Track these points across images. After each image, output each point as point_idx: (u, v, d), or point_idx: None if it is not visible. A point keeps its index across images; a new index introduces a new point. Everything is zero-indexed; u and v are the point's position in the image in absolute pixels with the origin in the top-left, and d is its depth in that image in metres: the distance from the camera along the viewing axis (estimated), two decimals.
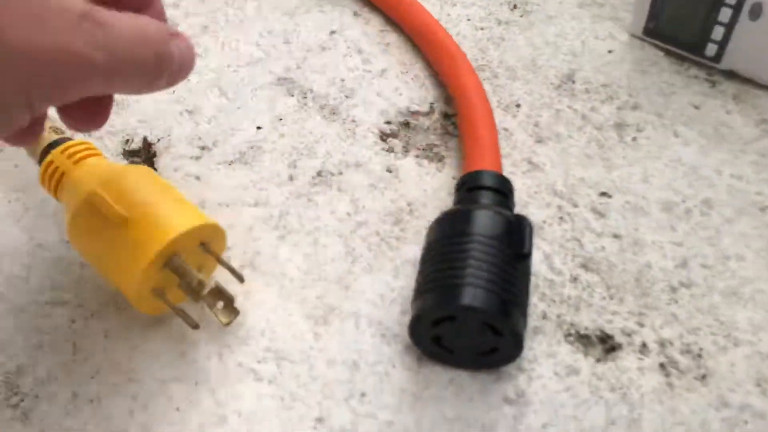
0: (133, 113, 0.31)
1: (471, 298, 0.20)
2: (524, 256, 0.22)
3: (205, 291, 0.21)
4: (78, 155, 0.24)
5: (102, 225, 0.22)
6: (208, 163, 0.29)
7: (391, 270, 0.26)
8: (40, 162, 0.24)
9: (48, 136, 0.24)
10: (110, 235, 0.22)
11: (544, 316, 0.25)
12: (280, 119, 0.31)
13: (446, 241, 0.22)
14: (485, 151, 0.26)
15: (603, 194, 0.28)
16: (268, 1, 0.36)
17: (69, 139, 0.25)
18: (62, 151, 0.24)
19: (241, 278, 0.23)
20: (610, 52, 0.34)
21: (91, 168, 0.23)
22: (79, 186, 0.23)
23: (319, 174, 0.29)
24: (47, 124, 0.25)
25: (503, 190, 0.24)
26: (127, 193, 0.22)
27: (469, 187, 0.24)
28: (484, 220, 0.22)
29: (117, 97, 0.32)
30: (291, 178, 0.29)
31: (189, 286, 0.21)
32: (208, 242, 0.23)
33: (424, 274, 0.22)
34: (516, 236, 0.22)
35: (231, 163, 0.29)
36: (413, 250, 0.26)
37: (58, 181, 0.23)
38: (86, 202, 0.22)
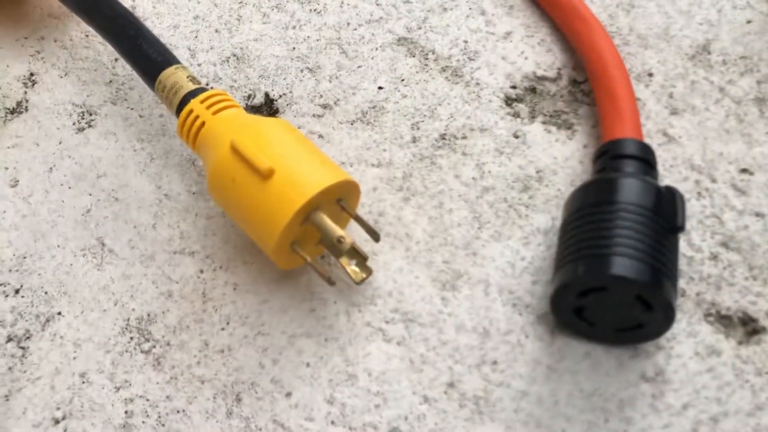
0: (254, 69, 0.31)
1: (627, 268, 0.19)
2: (679, 230, 0.21)
3: (347, 246, 0.21)
4: (217, 105, 0.23)
5: (245, 175, 0.22)
6: (330, 121, 0.29)
7: (520, 238, 0.25)
8: (177, 112, 0.24)
9: (186, 85, 0.24)
10: (252, 186, 0.21)
11: (683, 294, 0.24)
12: (402, 80, 0.30)
13: (595, 209, 0.21)
14: (627, 119, 0.25)
15: (744, 171, 0.27)
16: None
17: (206, 89, 0.25)
18: (201, 101, 0.24)
19: (377, 237, 0.22)
20: (749, 22, 0.32)
21: (231, 119, 0.23)
22: (221, 136, 0.23)
23: (442, 137, 0.28)
24: (185, 73, 0.25)
25: (649, 160, 0.23)
26: (269, 145, 0.22)
27: (613, 155, 0.23)
28: (635, 189, 0.21)
29: (237, 52, 0.32)
30: (414, 139, 0.28)
31: (329, 241, 0.21)
32: (344, 199, 0.23)
33: (569, 242, 0.21)
34: (668, 208, 0.21)
35: (353, 122, 0.29)
36: (544, 218, 0.25)
37: (197, 131, 0.23)
38: (231, 151, 0.22)
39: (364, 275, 0.22)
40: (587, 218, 0.21)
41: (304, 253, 0.22)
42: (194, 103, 0.24)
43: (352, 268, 0.22)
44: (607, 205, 0.21)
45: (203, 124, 0.23)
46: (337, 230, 0.21)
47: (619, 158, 0.23)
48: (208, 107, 0.24)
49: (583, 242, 0.21)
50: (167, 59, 0.25)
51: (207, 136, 0.23)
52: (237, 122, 0.23)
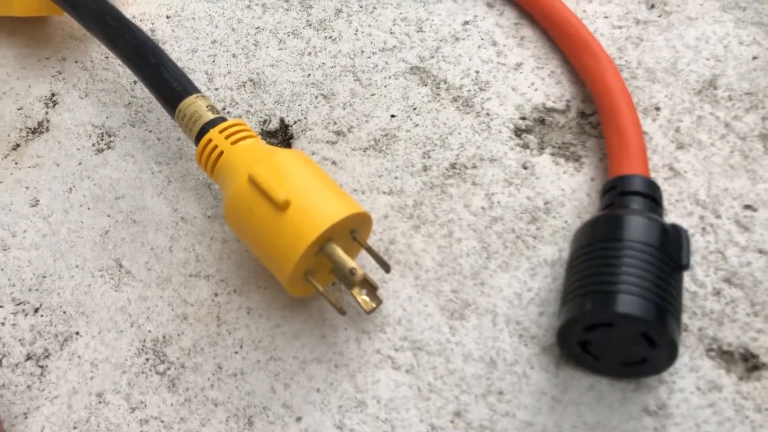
0: (270, 94, 0.31)
1: (633, 306, 0.20)
2: (684, 268, 0.21)
3: (358, 278, 0.21)
4: (236, 135, 0.24)
5: (261, 206, 0.22)
6: (343, 148, 0.30)
7: (528, 269, 0.26)
8: (196, 140, 0.25)
9: (206, 115, 0.25)
10: (268, 217, 0.22)
11: (686, 329, 0.24)
12: (414, 108, 0.31)
13: (603, 245, 0.22)
14: (634, 155, 0.25)
15: (747, 207, 0.27)
16: None
17: (225, 118, 0.25)
18: (221, 131, 0.24)
19: (387, 268, 0.23)
20: (754, 58, 0.33)
21: (248, 149, 0.24)
22: (239, 167, 0.23)
23: (453, 166, 0.29)
24: (204, 103, 0.26)
25: (656, 197, 0.24)
26: (285, 177, 0.23)
27: (620, 191, 0.24)
28: (642, 227, 0.22)
29: (254, 77, 0.32)
30: (425, 168, 0.29)
31: (341, 272, 0.22)
32: (356, 229, 0.23)
33: (577, 276, 0.22)
34: (674, 246, 0.22)
35: (365, 149, 0.30)
36: (551, 250, 0.26)
37: (216, 160, 0.24)
38: (248, 182, 0.22)
39: (374, 305, 0.23)
40: (595, 254, 0.22)
41: (317, 281, 0.23)
42: (213, 133, 0.24)
43: (363, 297, 0.23)
44: (614, 242, 0.22)
45: (221, 153, 0.24)
46: (349, 262, 0.22)
47: (626, 195, 0.24)
48: (227, 137, 0.24)
49: (591, 278, 0.21)
50: (187, 88, 0.26)
51: (225, 166, 0.24)
52: (255, 153, 0.24)
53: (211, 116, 0.25)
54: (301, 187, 0.22)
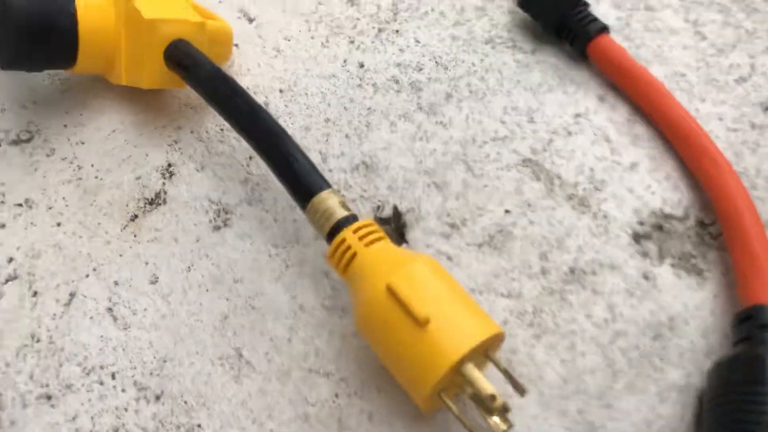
0: (383, 179, 0.32)
1: None
2: None
3: (498, 406, 0.21)
4: (369, 237, 0.24)
5: (399, 319, 0.22)
6: (458, 242, 0.30)
7: (655, 393, 0.25)
8: (328, 238, 0.25)
9: (339, 212, 0.25)
10: (406, 332, 0.22)
11: None
12: (529, 204, 0.31)
13: (750, 389, 0.21)
14: None
15: None
16: (510, 77, 0.36)
17: (356, 217, 0.25)
18: (354, 231, 0.24)
19: (522, 391, 0.23)
20: None
21: (381, 253, 0.24)
22: (374, 272, 0.23)
23: (572, 271, 0.29)
24: (337, 199, 0.26)
25: None
26: (422, 290, 0.22)
27: (760, 323, 0.23)
28: None
29: (367, 160, 0.32)
30: (543, 271, 0.29)
31: (479, 396, 0.21)
32: (491, 347, 0.23)
33: (720, 421, 0.21)
34: None
35: (480, 245, 0.29)
36: (678, 374, 0.25)
37: (349, 261, 0.24)
38: (386, 292, 0.22)
39: (506, 427, 0.23)
40: (738, 397, 0.21)
41: (447, 397, 0.22)
42: (347, 233, 0.24)
43: (494, 419, 0.23)
44: (761, 387, 0.21)
45: (355, 254, 0.24)
46: (489, 387, 0.21)
47: (766, 328, 0.23)
48: (360, 238, 0.24)
49: (736, 424, 0.21)
50: (319, 183, 0.26)
51: (359, 268, 0.24)
52: (389, 258, 0.23)
53: (344, 213, 0.25)
54: (439, 301, 0.22)
